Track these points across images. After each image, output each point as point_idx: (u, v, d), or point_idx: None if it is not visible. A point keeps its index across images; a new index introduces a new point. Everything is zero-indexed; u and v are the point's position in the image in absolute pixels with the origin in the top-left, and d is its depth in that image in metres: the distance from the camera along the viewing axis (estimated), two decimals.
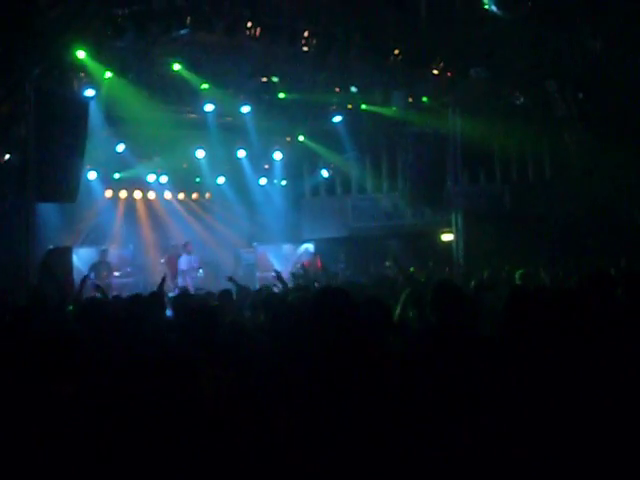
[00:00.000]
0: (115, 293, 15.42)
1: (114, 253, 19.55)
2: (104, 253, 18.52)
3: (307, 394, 4.23)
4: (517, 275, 10.82)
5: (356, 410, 4.02)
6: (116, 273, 18.90)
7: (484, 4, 14.71)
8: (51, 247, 15.92)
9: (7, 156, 15.65)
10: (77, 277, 16.74)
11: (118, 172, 20.29)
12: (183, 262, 19.17)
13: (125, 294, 14.05)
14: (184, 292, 12.98)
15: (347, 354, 4.35)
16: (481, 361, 4.63)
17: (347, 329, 4.57)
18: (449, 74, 17.26)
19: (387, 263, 18.70)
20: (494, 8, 14.84)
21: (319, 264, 19.86)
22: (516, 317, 4.89)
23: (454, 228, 20.75)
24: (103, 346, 5.51)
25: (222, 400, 4.48)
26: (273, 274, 14.05)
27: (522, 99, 18.38)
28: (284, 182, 23.40)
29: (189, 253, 19.23)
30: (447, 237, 21.41)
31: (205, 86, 16.76)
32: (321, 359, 4.39)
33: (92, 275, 17.54)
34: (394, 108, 19.00)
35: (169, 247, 20.38)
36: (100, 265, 18.11)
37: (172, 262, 19.72)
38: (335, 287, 6.87)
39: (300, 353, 4.88)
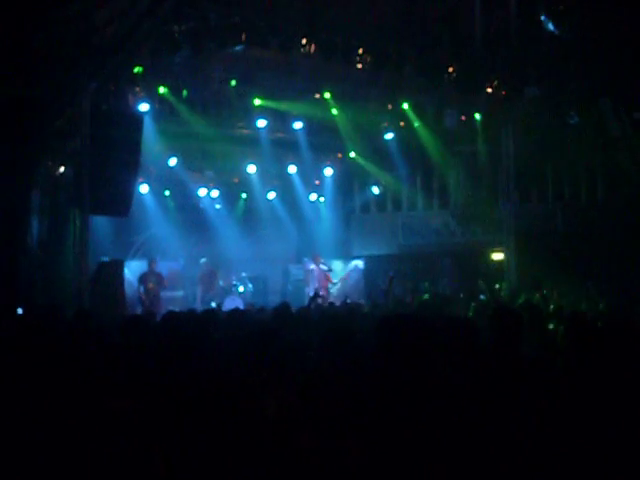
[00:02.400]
0: (165, 307, 15.57)
1: (165, 265, 19.64)
2: (153, 263, 18.43)
3: (373, 416, 4.18)
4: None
5: (423, 430, 3.97)
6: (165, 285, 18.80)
7: (540, 22, 14.59)
8: (103, 260, 16.08)
9: (62, 169, 15.88)
10: (128, 290, 16.94)
11: (170, 186, 20.42)
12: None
13: (174, 308, 14.17)
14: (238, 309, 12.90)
15: (415, 379, 4.31)
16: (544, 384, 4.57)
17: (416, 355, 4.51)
18: (503, 92, 17.12)
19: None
20: (550, 26, 14.72)
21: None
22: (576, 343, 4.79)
23: (505, 247, 20.53)
24: (157, 362, 5.50)
25: (285, 420, 4.44)
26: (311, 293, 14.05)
27: (576, 118, 18.14)
28: (323, 199, 23.29)
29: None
30: (498, 256, 21.20)
31: (258, 102, 16.85)
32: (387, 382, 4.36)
33: (141, 288, 17.62)
34: (446, 126, 18.90)
35: (202, 264, 20.29)
36: (148, 276, 17.99)
37: (205, 278, 19.73)
38: (404, 314, 6.77)
39: (363, 374, 4.85)
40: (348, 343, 5.73)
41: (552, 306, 10.62)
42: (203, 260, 20.09)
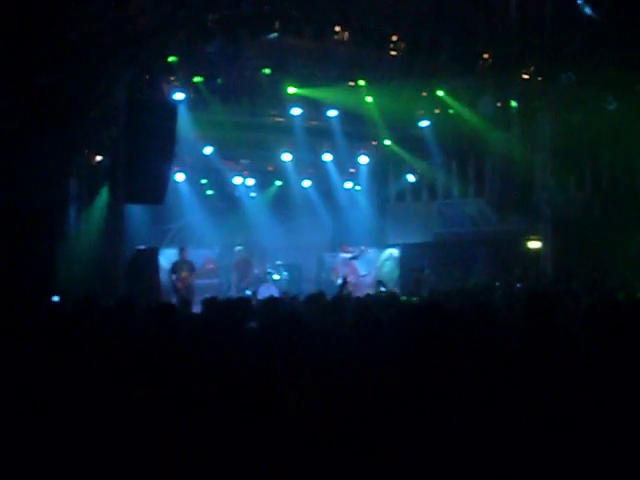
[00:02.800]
0: (199, 295, 15.63)
1: (200, 254, 19.74)
2: (183, 252, 18.38)
3: (394, 406, 4.18)
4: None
5: (447, 419, 3.97)
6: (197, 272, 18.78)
7: (577, 7, 14.41)
8: (139, 247, 16.21)
9: (99, 158, 16.04)
10: (163, 277, 17.07)
11: (205, 174, 20.53)
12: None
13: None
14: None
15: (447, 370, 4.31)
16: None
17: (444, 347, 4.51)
18: (539, 78, 16.93)
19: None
20: (587, 10, 14.53)
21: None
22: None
23: (542, 236, 20.37)
24: (180, 352, 5.53)
25: (305, 410, 4.45)
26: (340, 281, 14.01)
27: (614, 104, 17.88)
28: (359, 187, 23.21)
29: None
30: (534, 245, 21.03)
31: (292, 90, 16.85)
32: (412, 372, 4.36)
33: (174, 276, 17.68)
34: (482, 113, 18.76)
35: (236, 252, 20.32)
36: (180, 264, 17.97)
37: (240, 265, 19.79)
38: (432, 304, 6.74)
39: (388, 363, 4.85)
40: (380, 334, 5.72)
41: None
42: (238, 248, 20.16)
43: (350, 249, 20.14)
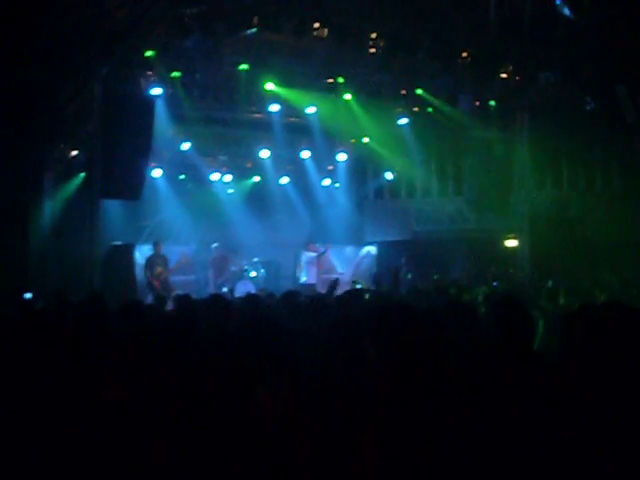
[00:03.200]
0: (177, 291, 15.55)
1: (177, 250, 19.63)
2: (157, 246, 18.02)
3: (368, 407, 4.14)
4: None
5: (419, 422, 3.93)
6: (171, 267, 18.51)
7: (555, 7, 14.45)
8: (114, 243, 16.10)
9: (74, 152, 15.91)
10: (139, 274, 16.95)
11: (183, 170, 20.39)
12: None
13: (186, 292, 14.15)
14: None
15: (411, 369, 4.26)
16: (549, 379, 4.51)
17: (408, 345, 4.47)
18: (518, 78, 16.98)
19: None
20: (566, 11, 14.57)
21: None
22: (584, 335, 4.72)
23: (519, 234, 20.42)
24: (152, 351, 5.47)
25: (280, 409, 4.40)
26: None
27: (592, 104, 17.98)
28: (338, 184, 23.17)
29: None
30: (511, 243, 21.08)
31: (271, 86, 16.77)
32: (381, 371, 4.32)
33: (148, 272, 17.47)
34: (461, 111, 18.79)
35: (213, 248, 20.23)
36: (155, 259, 17.67)
37: (217, 262, 19.72)
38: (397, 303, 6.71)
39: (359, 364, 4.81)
40: (348, 333, 5.68)
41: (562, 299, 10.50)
42: (215, 245, 20.06)
43: (316, 248, 20.11)
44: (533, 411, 4.05)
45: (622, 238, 18.52)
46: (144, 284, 17.11)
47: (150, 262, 17.41)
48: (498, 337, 5.26)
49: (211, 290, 17.62)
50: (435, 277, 18.22)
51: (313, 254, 19.94)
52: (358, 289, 11.77)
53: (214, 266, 19.58)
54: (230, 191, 21.92)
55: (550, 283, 13.63)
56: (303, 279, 19.57)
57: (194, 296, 10.06)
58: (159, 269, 17.33)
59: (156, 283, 17.08)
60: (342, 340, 5.56)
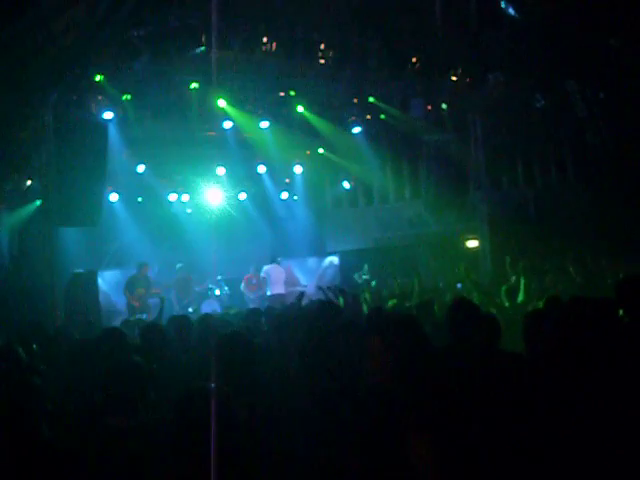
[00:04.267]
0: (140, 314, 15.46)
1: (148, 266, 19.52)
2: (144, 268, 18.09)
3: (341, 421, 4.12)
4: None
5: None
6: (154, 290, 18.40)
7: (500, 7, 14.59)
8: (76, 271, 15.92)
9: (28, 182, 15.71)
10: (103, 300, 16.78)
11: (140, 193, 20.25)
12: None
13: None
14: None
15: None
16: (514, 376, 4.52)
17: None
18: (468, 79, 17.10)
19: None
20: (511, 11, 14.72)
21: None
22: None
23: (479, 234, 20.55)
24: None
25: (256, 427, 4.36)
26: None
27: (542, 101, 18.16)
28: (296, 197, 23.20)
29: None
30: (472, 244, 21.21)
31: (223, 103, 16.73)
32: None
33: (128, 293, 17.36)
34: (413, 116, 18.89)
35: (178, 269, 20.14)
36: (137, 281, 17.68)
37: (180, 284, 19.62)
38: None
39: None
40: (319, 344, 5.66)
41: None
42: (179, 265, 19.96)
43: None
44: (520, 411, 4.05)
45: (580, 231, 18.70)
46: (110, 310, 17.01)
47: (132, 282, 17.34)
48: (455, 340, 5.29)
49: (176, 311, 17.49)
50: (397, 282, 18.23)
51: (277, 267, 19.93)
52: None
53: (177, 287, 19.47)
54: (189, 211, 21.83)
55: (513, 279, 13.71)
56: (268, 293, 19.51)
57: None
58: (141, 290, 17.28)
59: (136, 304, 17.01)
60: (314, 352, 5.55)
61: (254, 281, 20.31)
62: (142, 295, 17.39)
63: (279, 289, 19.39)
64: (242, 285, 20.55)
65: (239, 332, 5.99)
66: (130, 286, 17.46)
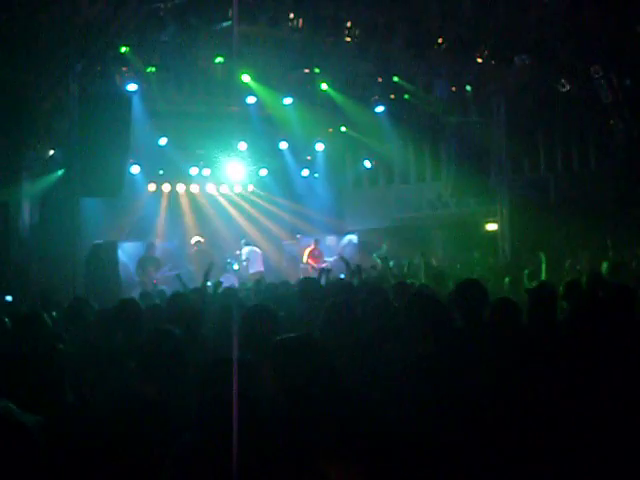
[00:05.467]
0: (161, 287, 15.52)
1: (159, 246, 19.61)
2: (151, 247, 18.54)
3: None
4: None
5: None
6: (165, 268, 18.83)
7: None
8: (96, 242, 16.01)
9: (51, 152, 15.77)
10: (122, 271, 16.88)
11: (161, 166, 20.29)
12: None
13: (169, 288, 14.13)
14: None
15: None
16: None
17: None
18: (493, 62, 16.98)
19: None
20: None
21: None
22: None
23: (499, 218, 20.49)
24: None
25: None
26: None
27: (567, 86, 18.03)
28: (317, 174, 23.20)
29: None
30: (492, 227, 21.17)
31: (247, 78, 16.71)
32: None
33: (140, 271, 17.67)
34: (437, 97, 18.81)
35: (195, 243, 20.24)
36: (147, 260, 18.08)
37: (199, 257, 19.73)
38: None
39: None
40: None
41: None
42: (197, 239, 20.02)
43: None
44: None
45: (600, 218, 18.62)
46: (129, 281, 17.15)
47: (142, 263, 17.71)
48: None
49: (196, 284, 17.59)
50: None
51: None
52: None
53: (196, 260, 19.54)
54: (210, 186, 21.90)
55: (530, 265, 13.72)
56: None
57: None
58: (151, 268, 17.63)
59: (148, 282, 17.25)
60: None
61: (316, 253, 20.43)
62: (151, 272, 17.66)
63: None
64: (304, 257, 20.67)
65: (264, 305, 6.02)
66: (141, 266, 17.77)
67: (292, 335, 4.49)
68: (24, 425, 2.64)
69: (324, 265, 16.61)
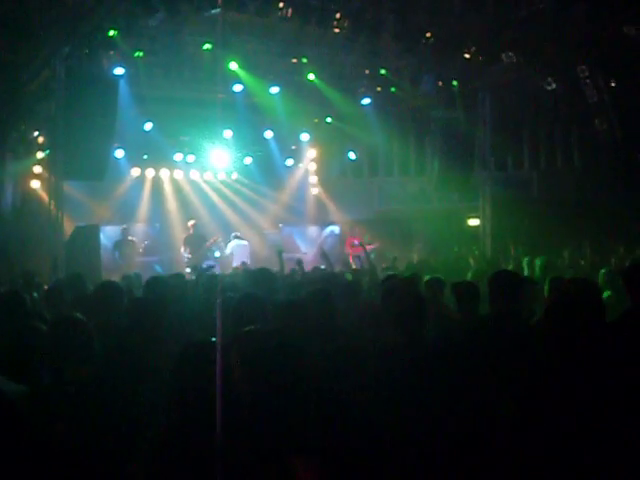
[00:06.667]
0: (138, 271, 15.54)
1: (141, 230, 19.62)
2: (125, 231, 18.67)
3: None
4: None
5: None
6: (140, 250, 18.97)
7: None
8: (79, 225, 16.00)
9: (36, 133, 15.73)
10: (104, 254, 16.87)
11: (146, 151, 20.25)
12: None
13: (149, 273, 14.13)
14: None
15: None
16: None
17: None
18: (480, 58, 17.06)
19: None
20: None
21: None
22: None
23: (481, 213, 20.58)
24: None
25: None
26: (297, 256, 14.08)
27: (553, 85, 18.13)
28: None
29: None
30: (474, 222, 21.26)
31: (234, 66, 16.69)
32: None
33: (116, 254, 17.74)
34: (424, 91, 18.86)
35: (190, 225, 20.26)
36: (123, 243, 18.25)
37: (193, 240, 19.74)
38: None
39: None
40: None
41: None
42: (192, 222, 19.98)
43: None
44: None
45: (582, 215, 18.75)
46: (109, 265, 17.15)
47: (119, 246, 17.85)
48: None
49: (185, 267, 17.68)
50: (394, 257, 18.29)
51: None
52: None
53: (189, 243, 19.49)
54: (194, 173, 21.89)
55: (511, 261, 13.84)
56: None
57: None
58: (128, 251, 17.79)
59: (122, 264, 17.30)
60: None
61: (356, 242, 20.48)
62: (128, 255, 17.88)
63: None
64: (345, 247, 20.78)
65: (253, 293, 6.07)
66: (118, 249, 18.00)
67: (260, 328, 4.55)
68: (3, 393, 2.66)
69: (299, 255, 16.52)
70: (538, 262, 10.65)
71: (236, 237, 20.19)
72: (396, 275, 9.29)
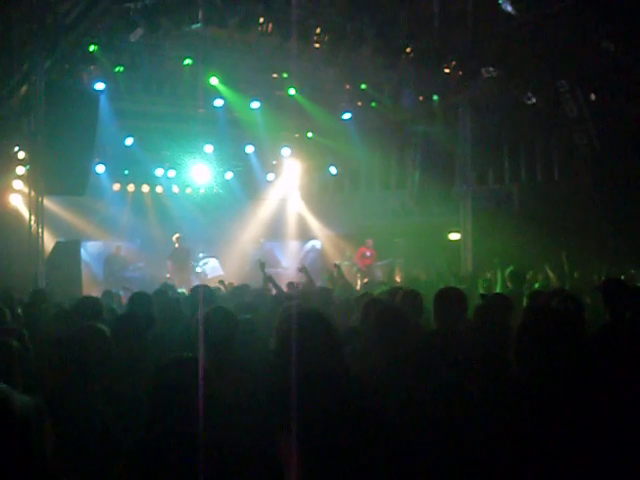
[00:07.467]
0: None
1: (123, 246, 19.61)
2: (118, 249, 19.14)
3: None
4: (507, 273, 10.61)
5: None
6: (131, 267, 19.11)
7: (498, 3, 14.65)
8: (60, 240, 15.93)
9: (16, 148, 15.66)
10: (85, 270, 16.81)
11: (126, 166, 20.23)
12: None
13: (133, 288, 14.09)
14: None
15: None
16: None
17: None
18: (460, 73, 17.15)
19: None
20: (508, 8, 14.78)
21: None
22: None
23: (462, 227, 20.63)
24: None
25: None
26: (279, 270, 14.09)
27: (533, 99, 18.23)
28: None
29: None
30: (455, 236, 21.29)
31: (215, 81, 16.71)
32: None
33: (106, 269, 17.84)
34: (404, 106, 18.94)
35: (175, 239, 20.26)
36: (113, 259, 18.33)
37: (179, 256, 19.73)
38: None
39: None
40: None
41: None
42: (177, 235, 19.96)
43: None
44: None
45: (563, 229, 18.81)
46: (91, 280, 17.17)
47: (109, 261, 17.97)
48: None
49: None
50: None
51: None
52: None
53: (175, 259, 19.49)
54: (175, 188, 21.87)
55: (489, 275, 13.86)
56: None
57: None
58: (116, 267, 17.94)
59: (111, 280, 17.45)
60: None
61: (368, 254, 20.50)
62: (116, 271, 17.88)
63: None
64: (354, 258, 20.83)
65: (222, 307, 6.03)
66: (107, 265, 17.98)
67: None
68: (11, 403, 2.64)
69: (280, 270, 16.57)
70: (506, 273, 10.60)
71: (204, 257, 20.27)
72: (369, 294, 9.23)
